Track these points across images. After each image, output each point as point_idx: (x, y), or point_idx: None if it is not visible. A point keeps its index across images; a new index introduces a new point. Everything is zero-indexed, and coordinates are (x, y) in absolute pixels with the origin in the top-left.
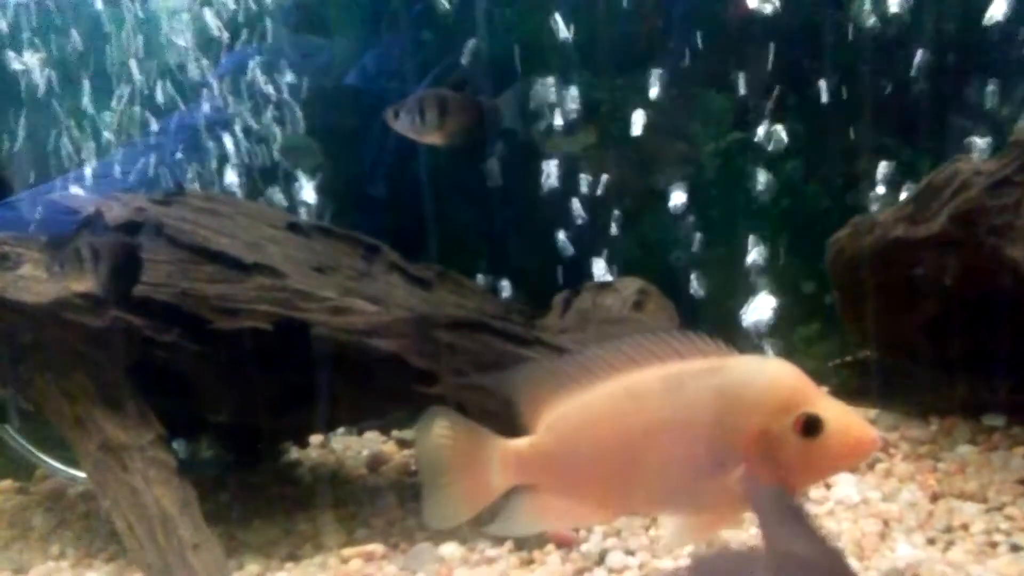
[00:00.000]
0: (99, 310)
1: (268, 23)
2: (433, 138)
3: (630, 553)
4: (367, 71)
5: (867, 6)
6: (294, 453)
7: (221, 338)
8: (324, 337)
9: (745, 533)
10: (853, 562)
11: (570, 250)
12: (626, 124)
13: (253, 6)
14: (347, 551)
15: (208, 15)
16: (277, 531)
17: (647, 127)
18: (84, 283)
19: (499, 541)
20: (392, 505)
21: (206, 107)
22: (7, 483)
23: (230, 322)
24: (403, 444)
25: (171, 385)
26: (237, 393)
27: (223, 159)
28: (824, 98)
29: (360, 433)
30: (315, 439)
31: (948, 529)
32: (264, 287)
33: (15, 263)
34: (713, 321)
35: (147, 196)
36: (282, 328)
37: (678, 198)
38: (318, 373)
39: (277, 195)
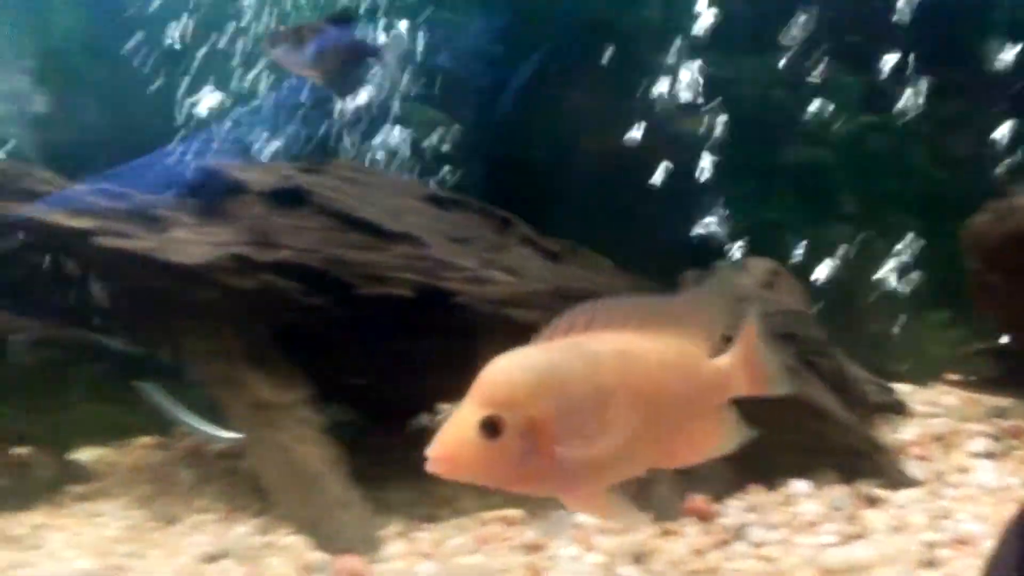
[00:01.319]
0: (250, 272)
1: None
2: (308, 72)
3: (772, 527)
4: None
5: None
6: (423, 420)
7: (365, 304)
8: (464, 306)
9: None
10: None
11: (696, 228)
12: (752, 104)
13: None
14: (486, 515)
15: None
16: (414, 493)
17: (773, 107)
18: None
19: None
20: None
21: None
22: (147, 439)
23: (374, 288)
24: None
25: (314, 348)
26: (377, 358)
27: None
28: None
29: None
30: (444, 407)
31: None
32: (407, 255)
33: (167, 225)
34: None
35: (294, 164)
36: (424, 296)
37: (805, 179)
38: (456, 341)
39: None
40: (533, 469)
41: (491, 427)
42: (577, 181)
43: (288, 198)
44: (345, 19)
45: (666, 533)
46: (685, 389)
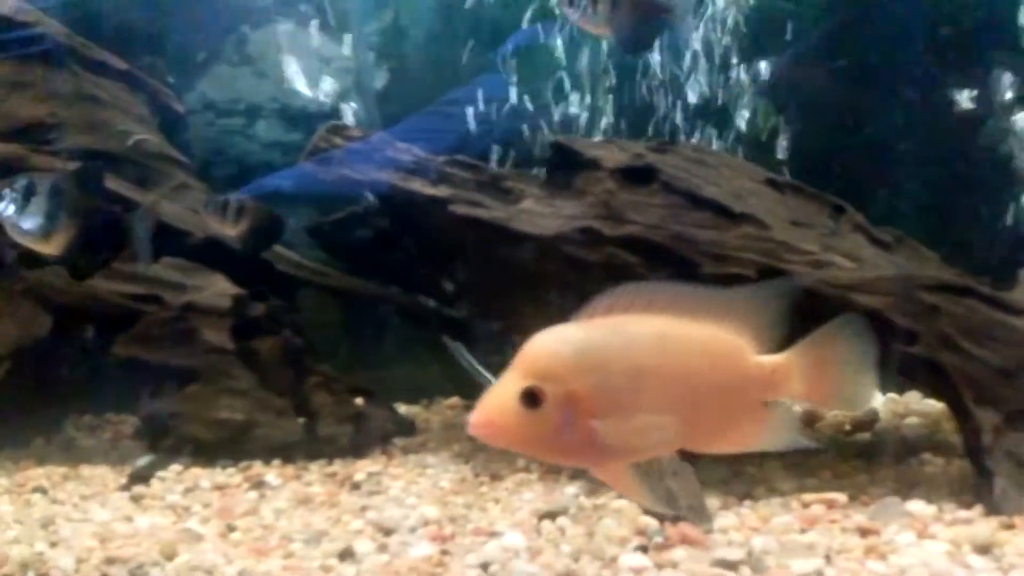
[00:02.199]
0: (597, 245)
1: None
2: (601, 30)
3: None
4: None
5: None
6: None
7: (707, 282)
8: (807, 289)
9: None
10: None
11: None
12: None
13: None
14: (807, 496)
15: None
16: (725, 471)
17: None
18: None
19: (968, 503)
20: (835, 459)
21: None
22: (455, 400)
23: (717, 267)
24: None
25: None
26: None
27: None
28: None
29: None
30: None
31: None
32: (750, 236)
33: (517, 197)
34: None
35: (644, 144)
36: (766, 277)
37: None
38: (796, 325)
39: None
40: (569, 441)
41: (532, 398)
42: (901, 171)
43: (637, 176)
44: None
45: (1006, 527)
46: (722, 379)
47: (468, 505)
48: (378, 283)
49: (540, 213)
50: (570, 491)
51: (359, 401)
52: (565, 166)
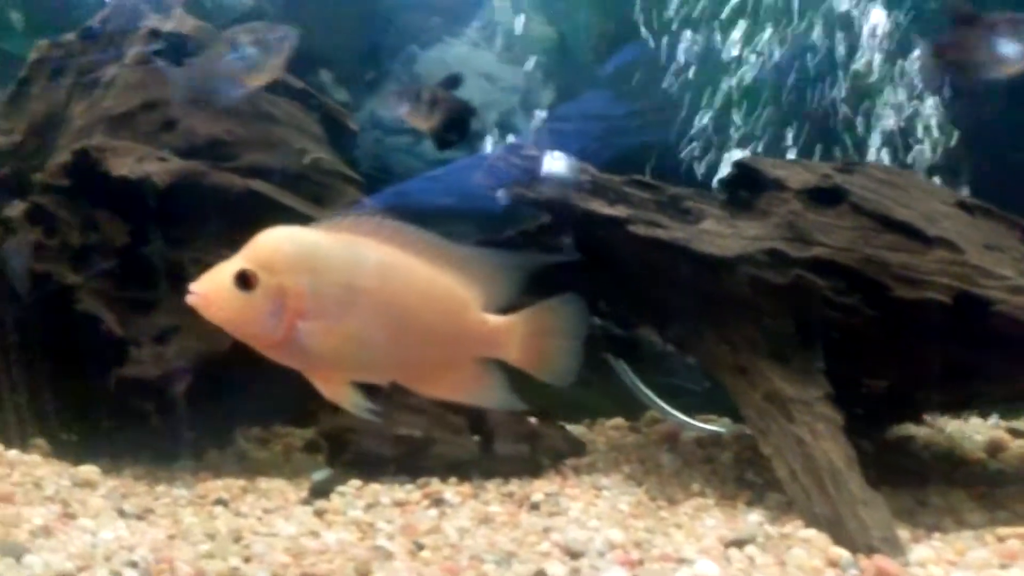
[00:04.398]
0: (783, 267)
1: None
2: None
3: None
4: None
5: None
6: (905, 428)
7: (898, 306)
8: (1004, 315)
9: None
10: None
11: None
12: None
13: None
14: (1002, 530)
15: None
16: (909, 501)
17: None
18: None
19: None
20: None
21: None
22: (618, 420)
23: (910, 291)
24: (1017, 434)
25: (836, 347)
26: (900, 363)
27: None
28: None
29: (966, 419)
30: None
31: None
32: (944, 260)
33: (697, 217)
34: None
35: (831, 164)
36: (960, 302)
37: None
38: (991, 352)
39: None
40: (274, 334)
41: (243, 280)
42: None
43: (824, 197)
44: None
45: None
46: (441, 324)
47: (650, 530)
48: None
49: (721, 234)
50: (753, 518)
51: (532, 420)
52: (747, 186)
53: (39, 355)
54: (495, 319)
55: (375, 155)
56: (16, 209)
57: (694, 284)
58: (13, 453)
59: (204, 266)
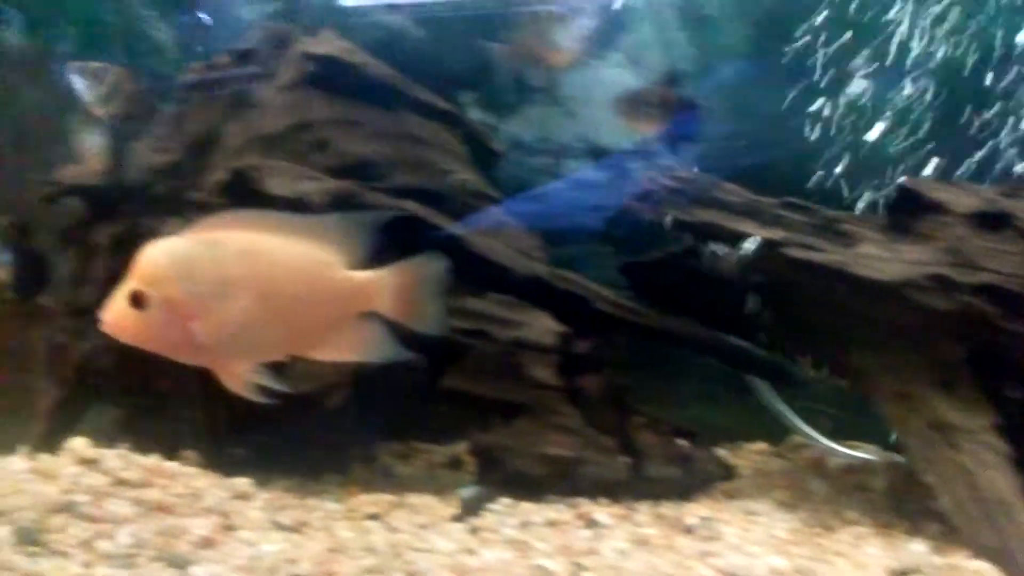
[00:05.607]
0: (949, 293)
1: None
2: None
3: None
4: None
5: None
6: None
7: None
8: None
9: None
10: None
11: None
12: None
13: None
14: None
15: None
16: None
17: None
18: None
19: None
20: None
21: None
22: (762, 445)
23: None
24: None
25: (1004, 375)
26: None
27: None
28: None
29: None
30: None
31: None
32: None
33: (854, 240)
34: None
35: (996, 188)
36: None
37: None
38: None
39: None
40: (175, 339)
41: (136, 300)
42: None
43: (990, 221)
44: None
45: None
46: (311, 290)
47: (811, 557)
48: (691, 324)
49: (881, 258)
50: (917, 547)
51: (682, 443)
52: (907, 209)
53: (191, 368)
54: (361, 275)
55: (516, 176)
56: (172, 226)
57: (851, 308)
58: (172, 464)
59: None
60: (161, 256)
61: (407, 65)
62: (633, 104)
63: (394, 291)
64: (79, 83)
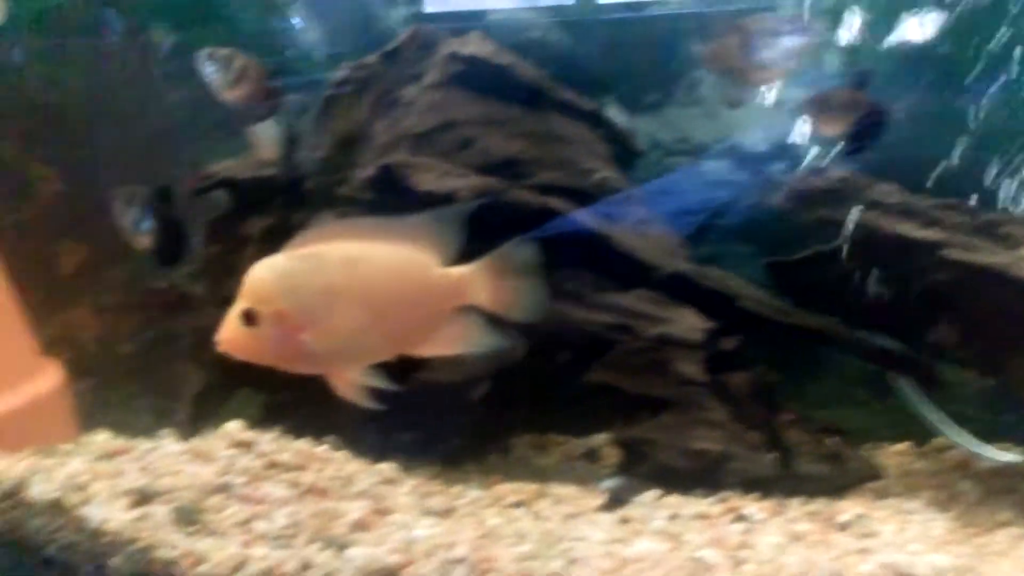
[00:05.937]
0: None
1: None
2: None
3: None
4: None
5: None
6: None
7: None
8: None
9: None
10: None
11: None
12: None
13: None
14: None
15: None
16: None
17: None
18: None
19: None
20: None
21: None
22: (903, 446)
23: None
24: None
25: None
26: None
27: None
28: None
29: None
30: None
31: None
32: None
33: (1016, 242)
34: None
35: None
36: None
37: None
38: None
39: None
40: (288, 352)
41: (248, 318)
42: None
43: None
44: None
45: None
46: (411, 290)
47: (972, 555)
48: (838, 323)
49: None
50: None
51: (831, 441)
52: None
53: None
54: (456, 270)
55: (653, 176)
56: (323, 220)
57: (1014, 312)
58: (322, 449)
59: None
60: (267, 274)
61: (547, 65)
62: (823, 105)
63: (488, 283)
64: (208, 69)
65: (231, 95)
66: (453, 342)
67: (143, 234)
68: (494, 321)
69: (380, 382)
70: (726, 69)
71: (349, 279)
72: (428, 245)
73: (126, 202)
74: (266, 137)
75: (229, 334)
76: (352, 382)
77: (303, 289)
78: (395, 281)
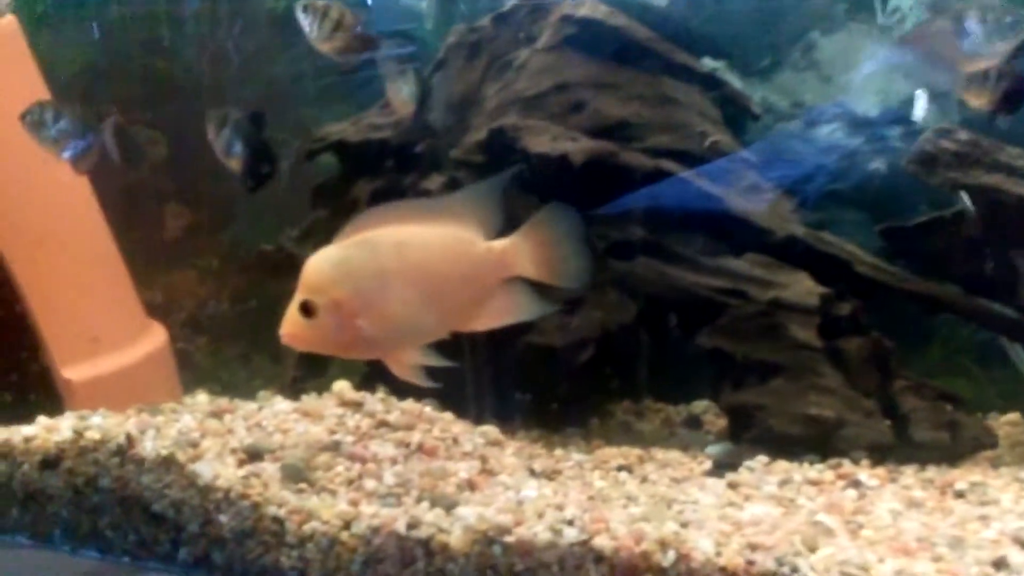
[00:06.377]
0: None
1: None
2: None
3: None
4: None
5: None
6: None
7: None
8: None
9: None
10: None
11: None
12: None
13: None
14: None
15: None
16: None
17: None
18: None
19: None
20: None
21: None
22: (1014, 416)
23: None
24: None
25: None
26: None
27: None
28: None
29: None
30: None
31: None
32: None
33: None
34: None
35: None
36: None
37: None
38: None
39: None
40: (346, 338)
41: (306, 309)
42: None
43: None
44: None
45: None
46: (459, 267)
47: None
48: (955, 290)
49: None
50: None
51: (948, 407)
52: None
53: None
54: (499, 243)
55: (767, 140)
56: (434, 182)
57: None
58: (429, 410)
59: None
60: (322, 264)
61: (668, 30)
62: (976, 76)
63: (530, 252)
64: (304, 20)
65: (327, 47)
66: (503, 314)
67: (234, 157)
68: (543, 289)
69: (436, 360)
70: (934, 54)
71: (399, 263)
72: (471, 221)
73: (218, 125)
74: (405, 91)
75: (290, 327)
76: (409, 362)
77: (356, 276)
78: (443, 261)
